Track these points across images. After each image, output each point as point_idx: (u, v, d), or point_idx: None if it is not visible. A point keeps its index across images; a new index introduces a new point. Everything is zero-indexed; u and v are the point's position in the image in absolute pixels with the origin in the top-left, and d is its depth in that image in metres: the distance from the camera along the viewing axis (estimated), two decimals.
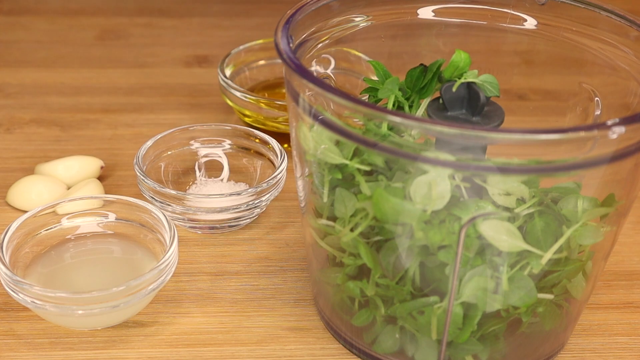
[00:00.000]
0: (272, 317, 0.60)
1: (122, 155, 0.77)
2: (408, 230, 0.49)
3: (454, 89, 0.53)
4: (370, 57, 0.66)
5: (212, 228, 0.67)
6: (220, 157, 0.73)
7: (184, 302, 0.61)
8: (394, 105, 0.57)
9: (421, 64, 0.57)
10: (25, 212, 0.65)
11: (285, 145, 0.77)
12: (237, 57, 0.84)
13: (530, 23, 0.60)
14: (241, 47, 0.84)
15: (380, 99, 0.58)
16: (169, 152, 0.71)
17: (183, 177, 0.72)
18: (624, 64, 0.55)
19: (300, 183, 0.56)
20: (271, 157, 0.70)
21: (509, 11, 0.60)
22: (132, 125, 0.82)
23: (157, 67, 0.94)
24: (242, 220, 0.68)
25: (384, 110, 0.48)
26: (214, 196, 0.65)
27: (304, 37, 0.56)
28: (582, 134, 0.44)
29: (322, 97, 0.49)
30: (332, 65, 0.75)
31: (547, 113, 0.72)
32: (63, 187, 0.70)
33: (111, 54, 0.97)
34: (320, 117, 0.49)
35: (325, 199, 0.54)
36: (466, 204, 0.48)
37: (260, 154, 0.72)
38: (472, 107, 0.54)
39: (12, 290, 0.55)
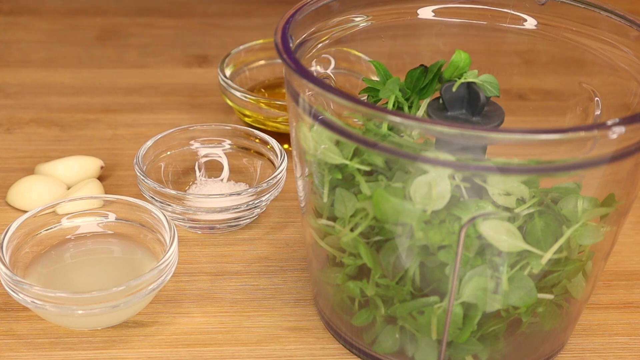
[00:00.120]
0: (272, 317, 0.60)
1: (122, 155, 0.77)
2: (408, 230, 0.49)
3: (454, 89, 0.53)
4: (370, 57, 0.66)
5: (212, 228, 0.67)
6: (220, 157, 0.73)
7: (184, 302, 0.61)
8: (393, 105, 0.57)
9: (422, 65, 0.57)
10: (25, 212, 0.65)
11: (286, 146, 0.77)
12: (237, 57, 0.84)
13: (530, 23, 0.60)
14: (241, 47, 0.84)
15: (380, 99, 0.58)
16: (169, 152, 0.71)
17: (183, 177, 0.72)
18: (624, 64, 0.55)
19: (300, 183, 0.56)
20: (271, 157, 0.70)
21: (509, 11, 0.60)
22: (132, 125, 0.82)
23: (157, 67, 0.94)
24: (242, 220, 0.68)
25: (384, 110, 0.48)
26: (214, 196, 0.65)
27: (304, 37, 0.56)
28: (582, 134, 0.44)
29: (322, 97, 0.49)
30: (332, 65, 0.75)
31: (547, 113, 0.72)
32: (63, 187, 0.70)
33: (111, 54, 0.97)
34: (320, 117, 0.49)
35: (325, 199, 0.54)
36: (466, 204, 0.48)
37: (260, 154, 0.72)
38: (472, 107, 0.54)
39: (12, 290, 0.55)
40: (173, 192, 0.65)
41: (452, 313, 0.50)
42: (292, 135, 0.55)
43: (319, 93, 0.49)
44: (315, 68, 0.60)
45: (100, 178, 0.74)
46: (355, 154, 0.51)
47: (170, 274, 0.58)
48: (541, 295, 0.52)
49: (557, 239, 0.50)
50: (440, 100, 0.54)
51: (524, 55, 0.62)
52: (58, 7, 1.08)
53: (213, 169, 0.73)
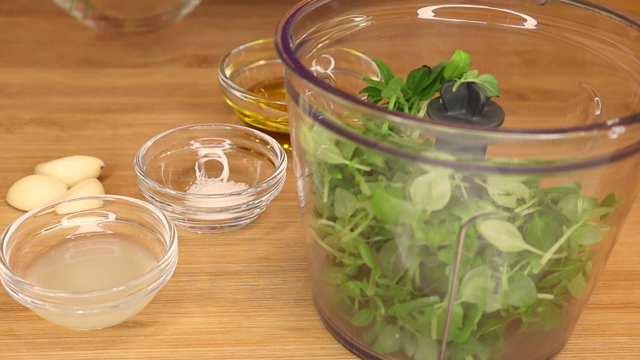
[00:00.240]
0: (272, 317, 0.60)
1: (122, 155, 0.77)
2: (408, 230, 0.49)
3: (454, 89, 0.53)
4: (370, 57, 0.66)
5: (212, 228, 0.67)
6: (220, 157, 0.73)
7: (184, 302, 0.61)
8: (394, 106, 0.57)
9: (424, 66, 0.57)
10: (25, 212, 0.65)
11: (286, 146, 0.77)
12: (237, 57, 0.84)
13: (530, 23, 0.60)
14: (241, 47, 0.84)
15: (380, 99, 0.58)
16: (169, 152, 0.71)
17: (183, 177, 0.72)
18: (624, 64, 0.55)
19: (300, 183, 0.56)
20: (271, 157, 0.70)
21: (509, 11, 0.60)
22: (132, 125, 0.82)
23: (157, 67, 0.94)
24: (242, 220, 0.68)
25: (384, 110, 0.48)
26: (214, 196, 0.65)
27: (304, 37, 0.56)
28: (582, 134, 0.44)
29: (322, 97, 0.49)
30: (332, 65, 0.75)
31: (547, 113, 0.72)
32: (63, 187, 0.70)
33: (111, 54, 0.97)
34: (320, 117, 0.49)
35: (325, 199, 0.54)
36: (466, 204, 0.48)
37: (260, 154, 0.72)
38: (472, 107, 0.54)
39: (12, 290, 0.55)
40: (173, 192, 0.65)
41: (452, 313, 0.50)
42: (292, 135, 0.55)
43: (319, 93, 0.49)
44: (315, 68, 0.60)
45: (100, 178, 0.74)
46: (355, 154, 0.51)
47: (170, 274, 0.58)
48: (541, 295, 0.52)
49: (557, 239, 0.50)
50: (440, 100, 0.54)
51: (524, 55, 0.62)
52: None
53: (213, 169, 0.73)
